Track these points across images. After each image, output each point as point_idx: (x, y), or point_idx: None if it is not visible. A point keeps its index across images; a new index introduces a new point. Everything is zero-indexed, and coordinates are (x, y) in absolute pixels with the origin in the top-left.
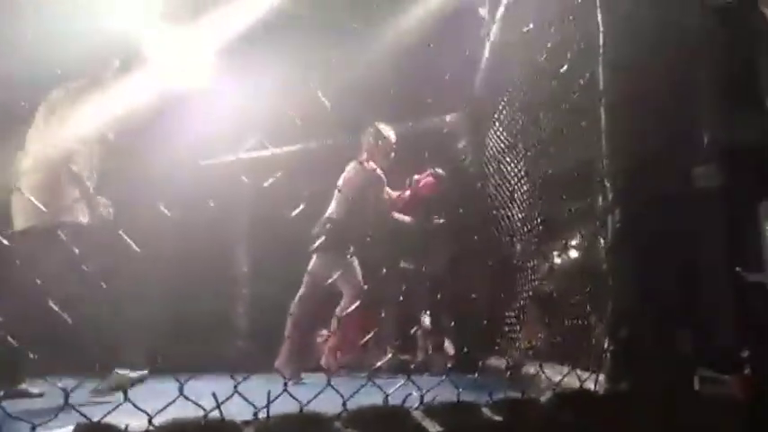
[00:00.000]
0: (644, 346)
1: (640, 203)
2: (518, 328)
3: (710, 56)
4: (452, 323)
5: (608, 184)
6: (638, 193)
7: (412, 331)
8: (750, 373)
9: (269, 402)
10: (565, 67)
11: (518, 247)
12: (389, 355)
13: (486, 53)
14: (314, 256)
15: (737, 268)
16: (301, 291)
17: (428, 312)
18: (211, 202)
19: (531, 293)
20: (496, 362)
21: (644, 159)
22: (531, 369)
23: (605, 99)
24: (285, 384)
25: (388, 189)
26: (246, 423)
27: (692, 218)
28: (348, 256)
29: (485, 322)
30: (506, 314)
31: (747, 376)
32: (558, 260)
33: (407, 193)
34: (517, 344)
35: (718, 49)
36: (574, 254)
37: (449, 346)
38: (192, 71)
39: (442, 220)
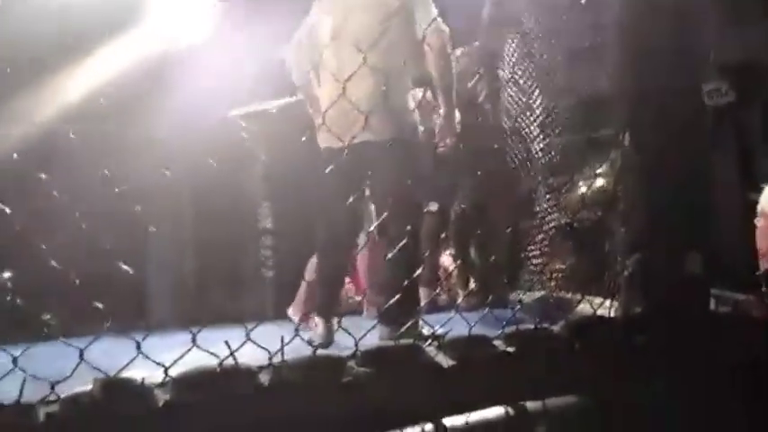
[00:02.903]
0: (656, 270)
1: (649, 125)
2: (542, 260)
3: None
4: (477, 260)
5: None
6: (647, 115)
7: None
8: (766, 290)
9: (282, 346)
10: None
11: (539, 179)
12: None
13: None
14: None
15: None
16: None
17: (451, 251)
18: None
19: (553, 225)
20: (522, 296)
21: (651, 80)
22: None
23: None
24: (296, 329)
25: None
26: (261, 368)
27: (703, 137)
28: None
29: (509, 257)
30: (530, 248)
31: (763, 294)
32: (581, 190)
33: None
34: (542, 276)
35: None
36: (598, 183)
37: (474, 283)
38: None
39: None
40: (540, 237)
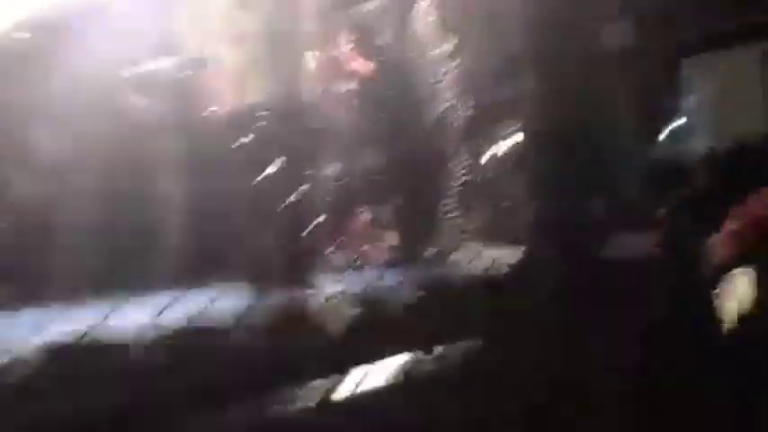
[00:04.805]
0: (558, 215)
1: (549, 68)
2: (456, 214)
3: None
4: (393, 215)
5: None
6: (546, 58)
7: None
8: (667, 231)
9: (161, 311)
10: None
11: (454, 135)
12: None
13: None
14: None
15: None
16: None
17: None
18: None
19: (466, 180)
20: (437, 250)
21: (550, 21)
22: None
23: None
24: (173, 298)
25: None
26: (135, 338)
27: (602, 80)
28: None
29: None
30: (444, 202)
31: (663, 235)
32: (494, 149)
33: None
34: (455, 230)
35: None
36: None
37: (390, 238)
38: None
39: None
40: (455, 192)
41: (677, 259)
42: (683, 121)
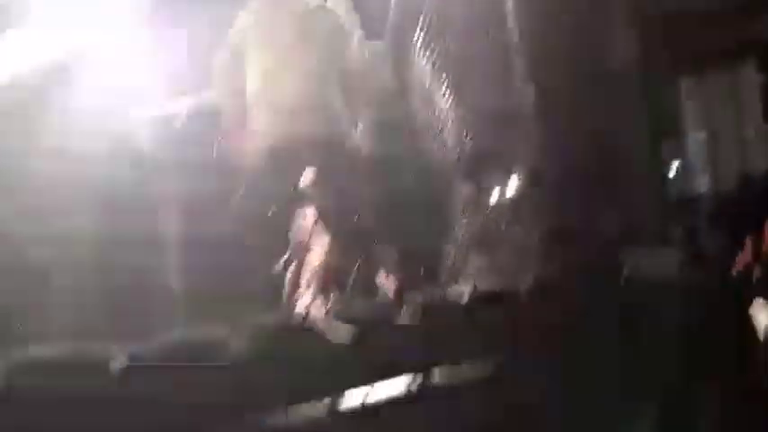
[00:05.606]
0: (569, 231)
1: (554, 82)
2: (461, 258)
3: None
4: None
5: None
6: (551, 73)
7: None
8: (682, 250)
9: None
10: None
11: (456, 179)
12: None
13: None
14: None
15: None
16: None
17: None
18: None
19: (473, 224)
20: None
21: (555, 36)
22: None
23: None
24: None
25: None
26: None
27: (609, 92)
28: None
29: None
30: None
31: (678, 253)
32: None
33: None
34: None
35: None
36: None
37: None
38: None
39: None
40: (459, 231)
41: (703, 276)
42: (693, 143)
